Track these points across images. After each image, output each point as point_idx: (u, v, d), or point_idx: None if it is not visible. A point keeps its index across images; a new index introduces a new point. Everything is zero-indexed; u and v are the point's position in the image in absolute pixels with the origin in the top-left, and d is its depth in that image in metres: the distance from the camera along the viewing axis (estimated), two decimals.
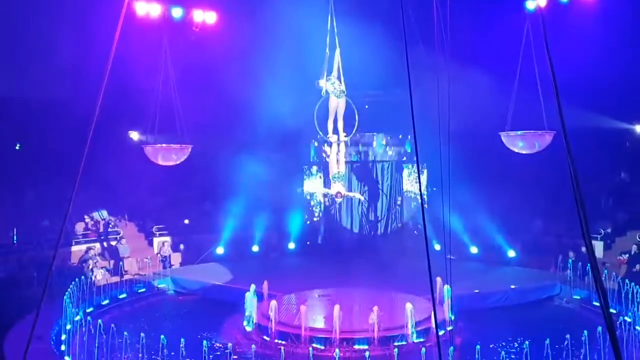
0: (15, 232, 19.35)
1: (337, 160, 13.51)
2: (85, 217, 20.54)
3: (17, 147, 22.92)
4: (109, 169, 19.58)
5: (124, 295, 17.65)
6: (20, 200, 21.11)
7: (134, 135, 22.60)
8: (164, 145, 15.29)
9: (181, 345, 11.42)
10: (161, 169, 18.16)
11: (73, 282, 15.20)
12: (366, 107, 23.77)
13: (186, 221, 23.27)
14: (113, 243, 20.11)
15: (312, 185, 14.08)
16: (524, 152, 14.55)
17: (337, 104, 13.24)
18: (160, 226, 21.84)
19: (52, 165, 20.70)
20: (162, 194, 22.97)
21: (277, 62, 18.92)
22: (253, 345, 12.62)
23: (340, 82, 13.19)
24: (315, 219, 24.10)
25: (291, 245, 23.09)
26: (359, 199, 21.64)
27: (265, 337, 14.09)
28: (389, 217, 23.96)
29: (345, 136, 13.57)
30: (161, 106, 15.15)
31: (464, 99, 18.24)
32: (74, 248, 19.46)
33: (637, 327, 12.75)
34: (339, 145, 13.51)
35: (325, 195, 14.34)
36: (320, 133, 13.49)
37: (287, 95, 17.91)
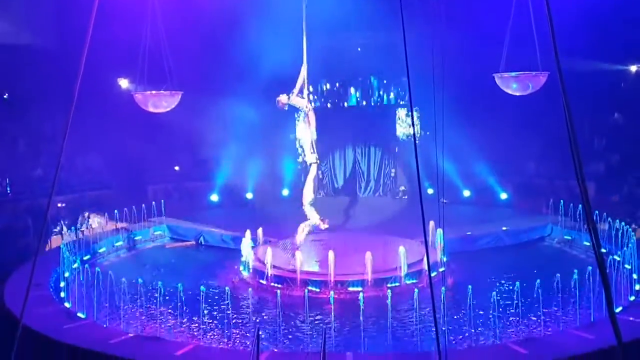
0: (8, 182, 19.32)
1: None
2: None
3: (4, 97, 22.61)
4: (100, 117, 19.42)
5: (120, 243, 17.81)
6: (12, 150, 20.99)
7: (123, 83, 22.28)
8: (154, 92, 15.10)
9: (179, 290, 11.60)
10: (152, 117, 18.00)
11: (69, 231, 15.30)
12: (359, 49, 23.47)
13: (176, 168, 23.25)
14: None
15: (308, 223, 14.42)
16: (517, 93, 14.47)
17: (314, 122, 13.09)
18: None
19: (42, 114, 20.50)
20: (154, 141, 22.86)
21: (268, 8, 18.48)
22: (250, 289, 12.83)
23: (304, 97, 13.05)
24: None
25: (285, 192, 23.18)
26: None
27: (261, 281, 14.33)
28: (382, 164, 23.97)
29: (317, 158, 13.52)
30: (150, 53, 14.87)
31: (458, 40, 18.01)
32: (69, 196, 19.49)
33: (626, 266, 13.02)
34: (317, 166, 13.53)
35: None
36: (313, 155, 13.20)
37: (278, 41, 17.58)
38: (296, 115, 23.81)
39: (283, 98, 13.13)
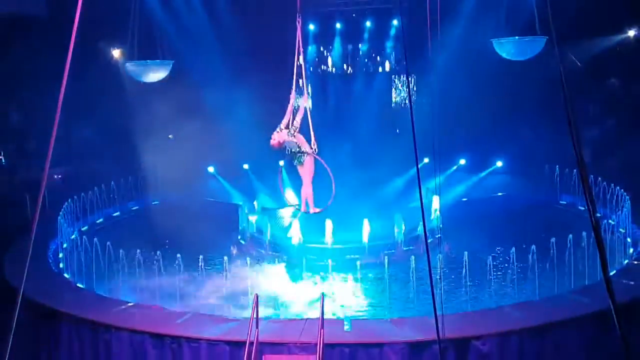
0: (2, 154, 19.25)
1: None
2: None
3: None
4: (92, 87, 19.26)
5: (117, 214, 17.86)
6: (5, 122, 20.84)
7: (116, 53, 22.02)
8: (147, 61, 15.01)
9: (177, 260, 11.68)
10: (145, 86, 17.87)
11: (66, 202, 15.31)
12: (353, 15, 23.20)
13: (170, 136, 23.11)
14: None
15: None
16: (515, 59, 14.41)
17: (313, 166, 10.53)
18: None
19: (34, 84, 20.31)
20: (148, 111, 22.70)
21: None
22: (248, 258, 12.92)
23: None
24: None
25: (281, 163, 23.07)
26: None
27: (260, 250, 14.43)
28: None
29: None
30: (142, 22, 14.73)
31: (455, 6, 17.82)
32: (65, 168, 19.45)
33: (620, 229, 13.14)
34: None
35: None
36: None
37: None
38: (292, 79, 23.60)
39: (280, 136, 10.16)
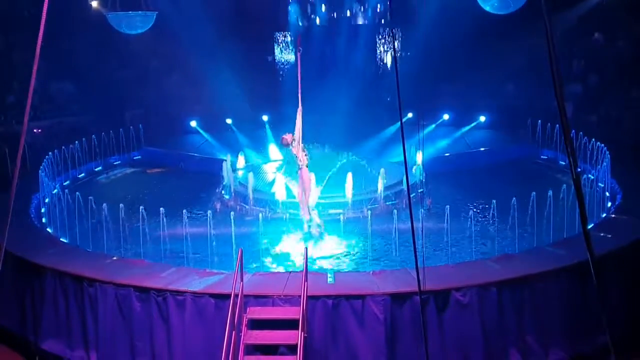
0: None
1: None
2: None
3: None
4: (72, 40, 18.84)
5: (99, 168, 17.73)
6: None
7: (95, 3, 21.44)
8: (129, 12, 14.64)
9: (161, 214, 11.67)
10: (128, 39, 17.50)
11: (47, 156, 15.14)
12: None
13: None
14: None
15: None
16: (499, 12, 14.28)
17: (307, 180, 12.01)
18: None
19: (12, 37, 19.83)
20: (130, 65, 22.28)
21: None
22: (232, 212, 12.94)
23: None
24: None
25: (264, 118, 22.93)
26: None
27: (243, 205, 14.46)
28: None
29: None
30: None
31: None
32: (45, 123, 19.17)
33: (599, 184, 13.34)
34: None
35: None
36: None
37: None
38: (276, 35, 23.20)
39: (288, 138, 11.81)
